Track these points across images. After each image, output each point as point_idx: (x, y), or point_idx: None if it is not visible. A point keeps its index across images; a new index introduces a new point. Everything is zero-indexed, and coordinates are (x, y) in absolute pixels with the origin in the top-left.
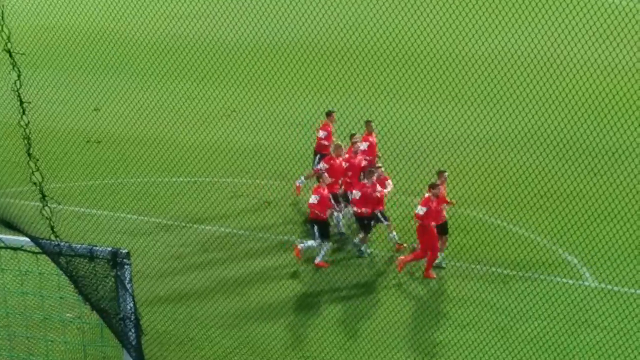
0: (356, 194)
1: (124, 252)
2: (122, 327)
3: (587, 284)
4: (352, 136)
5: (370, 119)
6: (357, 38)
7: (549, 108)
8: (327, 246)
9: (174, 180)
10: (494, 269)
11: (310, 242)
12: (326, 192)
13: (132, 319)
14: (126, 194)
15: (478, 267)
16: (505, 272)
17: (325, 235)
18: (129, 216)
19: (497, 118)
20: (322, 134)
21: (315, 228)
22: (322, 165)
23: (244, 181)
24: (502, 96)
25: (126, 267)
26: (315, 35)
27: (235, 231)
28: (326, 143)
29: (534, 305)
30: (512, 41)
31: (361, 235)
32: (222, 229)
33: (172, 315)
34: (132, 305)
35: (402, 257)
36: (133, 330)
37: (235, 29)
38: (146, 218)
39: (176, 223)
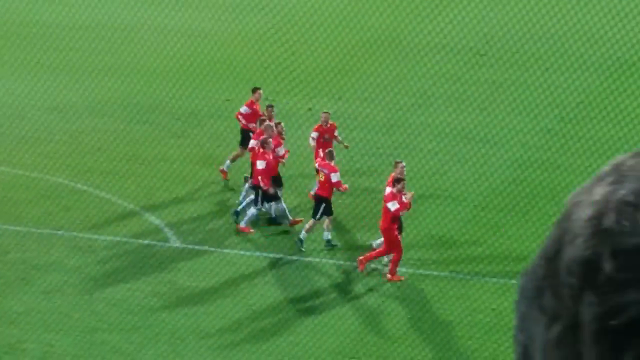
0: (335, 176)
1: None
2: None
3: (171, 244)
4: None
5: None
6: None
7: (128, 74)
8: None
9: None
10: (75, 234)
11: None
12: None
13: None
14: None
15: (60, 232)
16: (91, 237)
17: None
18: None
19: (77, 85)
20: (243, 109)
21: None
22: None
23: None
24: (74, 63)
25: None
26: None
27: None
28: (243, 121)
29: (117, 268)
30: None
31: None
32: None
33: None
34: None
35: (362, 257)
36: None
37: None
38: None
39: None
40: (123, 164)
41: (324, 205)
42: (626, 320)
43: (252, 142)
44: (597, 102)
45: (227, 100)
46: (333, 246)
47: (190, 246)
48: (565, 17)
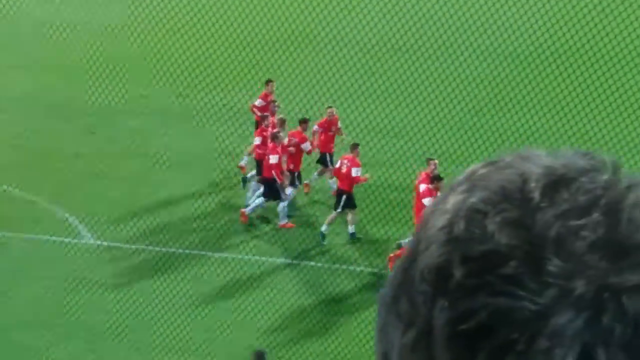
0: (355, 171)
1: None
2: None
3: (85, 241)
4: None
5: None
6: None
7: (38, 70)
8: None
9: None
10: None
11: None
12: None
13: None
14: None
15: None
16: (5, 234)
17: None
18: None
19: None
20: (257, 101)
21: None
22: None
23: None
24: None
25: None
26: None
27: None
28: (258, 113)
29: (31, 265)
30: None
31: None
32: None
33: None
34: None
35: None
36: None
37: None
38: None
39: None
40: (37, 160)
41: (344, 197)
42: (475, 324)
43: (256, 140)
44: (508, 93)
45: (142, 95)
46: (358, 239)
47: (104, 243)
48: (480, 9)
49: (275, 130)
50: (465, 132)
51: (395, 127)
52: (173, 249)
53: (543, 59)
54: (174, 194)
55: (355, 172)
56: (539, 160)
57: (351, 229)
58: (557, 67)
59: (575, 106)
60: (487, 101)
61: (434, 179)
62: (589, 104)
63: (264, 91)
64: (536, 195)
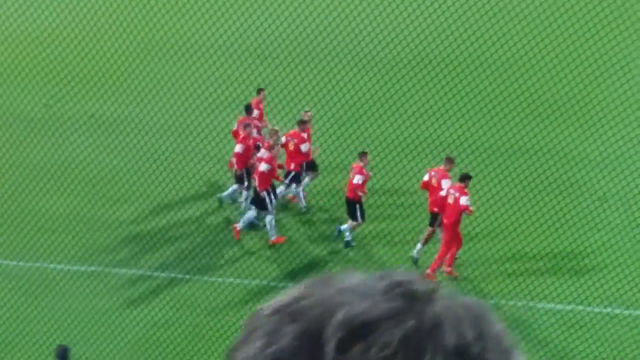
0: (359, 178)
1: None
2: None
3: None
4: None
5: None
6: None
7: None
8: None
9: None
10: None
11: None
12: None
13: None
14: None
15: None
16: None
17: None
18: None
19: None
20: (254, 112)
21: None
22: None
23: None
24: None
25: None
26: None
27: None
28: (258, 124)
29: None
30: None
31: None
32: None
33: None
34: None
35: (429, 271)
36: None
37: None
38: None
39: None
40: None
41: (358, 205)
42: None
43: (237, 147)
44: (373, 101)
45: (7, 105)
46: (338, 236)
47: None
48: (349, 17)
49: (272, 141)
50: (339, 141)
51: None
52: (52, 265)
53: (417, 69)
54: (44, 206)
55: (356, 179)
56: (343, 300)
57: (338, 233)
58: (425, 75)
59: (441, 115)
60: (356, 109)
61: (464, 177)
62: (458, 110)
63: (255, 99)
64: (330, 350)
